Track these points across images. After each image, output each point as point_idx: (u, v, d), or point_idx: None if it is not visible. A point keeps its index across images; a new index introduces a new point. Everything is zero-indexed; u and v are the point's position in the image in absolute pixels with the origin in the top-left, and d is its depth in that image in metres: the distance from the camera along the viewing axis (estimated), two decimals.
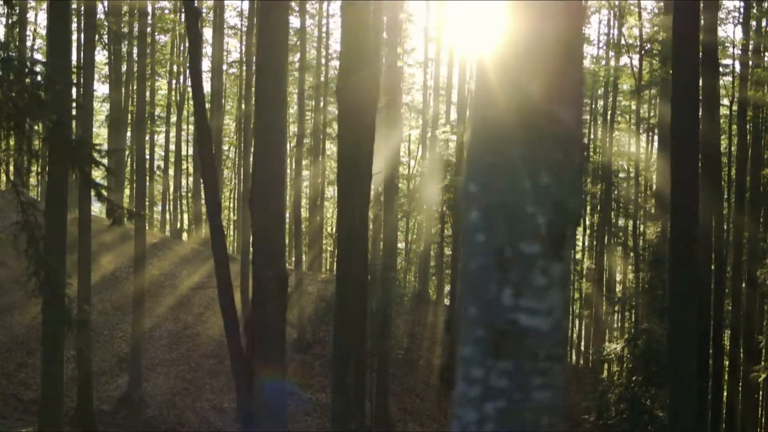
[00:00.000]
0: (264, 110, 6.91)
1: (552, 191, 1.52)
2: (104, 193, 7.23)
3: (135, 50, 26.49)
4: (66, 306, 6.38)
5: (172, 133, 39.25)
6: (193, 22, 6.78)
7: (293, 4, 29.57)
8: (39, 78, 6.17)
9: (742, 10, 26.63)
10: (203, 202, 34.95)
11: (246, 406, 7.47)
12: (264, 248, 7.27)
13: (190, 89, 38.66)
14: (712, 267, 20.02)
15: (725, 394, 24.09)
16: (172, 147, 38.43)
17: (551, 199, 1.52)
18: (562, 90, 1.53)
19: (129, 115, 31.47)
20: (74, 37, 26.21)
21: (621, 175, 39.54)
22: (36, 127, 6.69)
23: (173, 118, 39.11)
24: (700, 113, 21.82)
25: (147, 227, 36.81)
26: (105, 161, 9.48)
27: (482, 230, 1.55)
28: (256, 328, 7.30)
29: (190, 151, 38.34)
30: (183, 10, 39.26)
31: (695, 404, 8.47)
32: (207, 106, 37.93)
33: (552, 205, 1.52)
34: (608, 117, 34.36)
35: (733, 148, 28.39)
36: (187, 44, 39.55)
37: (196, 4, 31.14)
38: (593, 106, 38.65)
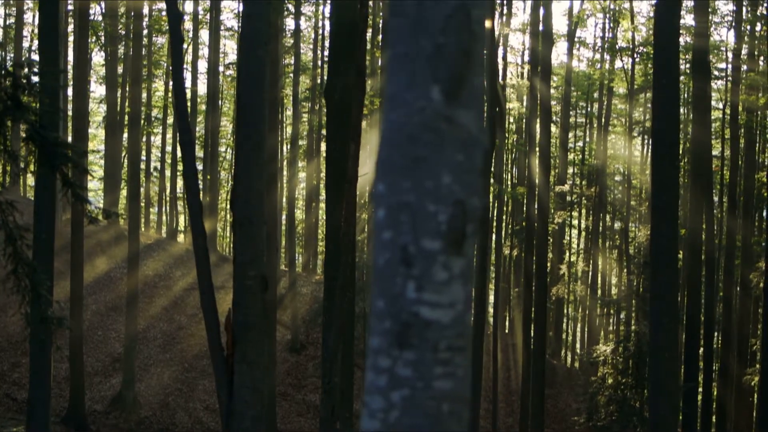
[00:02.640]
0: (246, 97, 6.99)
1: (453, 191, 1.61)
2: (80, 192, 7.31)
3: (131, 52, 26.55)
4: (45, 304, 6.46)
5: (169, 135, 39.33)
6: (176, 24, 6.87)
7: (290, 6, 29.67)
8: (22, 79, 6.27)
9: (734, 14, 26.73)
10: None
11: (227, 406, 7.54)
12: (245, 248, 7.35)
13: (188, 91, 38.85)
14: (703, 270, 20.10)
15: (716, 396, 24.17)
16: (169, 148, 38.51)
17: (452, 199, 1.60)
18: (463, 96, 1.62)
19: (125, 117, 31.55)
20: (72, 38, 26.33)
21: (617, 178, 39.66)
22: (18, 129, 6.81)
23: (170, 120, 39.19)
24: (692, 117, 21.86)
25: (142, 228, 36.92)
26: (88, 161, 9.54)
27: (388, 228, 1.63)
28: (237, 328, 7.38)
29: None
30: (183, 12, 39.41)
31: (674, 404, 8.55)
32: (203, 107, 37.91)
33: (453, 204, 1.60)
34: (602, 120, 34.44)
35: (726, 152, 28.48)
36: (184, 46, 39.72)
37: (194, 6, 31.06)
38: (589, 109, 38.76)
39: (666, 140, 8.46)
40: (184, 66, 33.92)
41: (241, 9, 39.22)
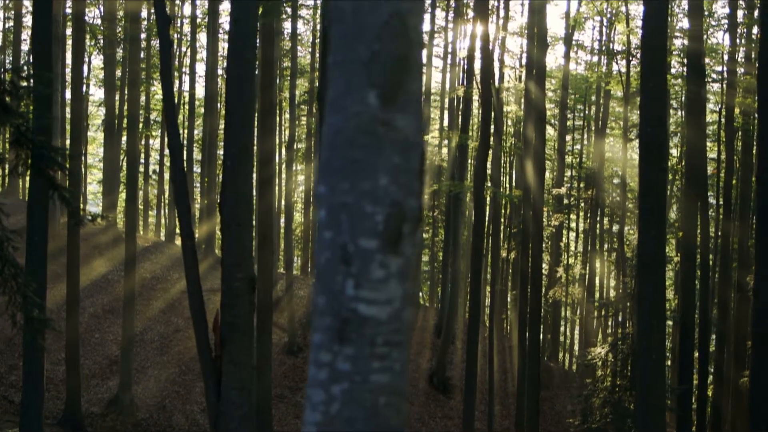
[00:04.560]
0: (234, 101, 7.05)
1: (390, 192, 1.67)
2: (67, 195, 7.36)
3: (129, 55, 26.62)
4: (30, 306, 6.51)
5: (167, 138, 39.36)
6: (164, 28, 6.92)
7: (288, 9, 29.72)
8: (9, 84, 6.34)
9: (729, 17, 26.81)
10: (197, 206, 35.12)
11: (215, 407, 7.59)
12: (233, 250, 7.40)
13: (186, 94, 38.99)
14: (698, 273, 20.14)
15: (712, 399, 24.21)
16: (168, 151, 38.55)
17: (389, 200, 1.67)
18: (399, 101, 1.68)
19: (123, 120, 31.62)
20: (70, 42, 26.39)
21: (615, 181, 39.72)
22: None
23: None
24: (686, 120, 21.86)
25: (141, 231, 36.99)
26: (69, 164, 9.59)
27: (329, 228, 1.70)
28: (225, 330, 7.43)
29: (185, 155, 38.48)
30: (182, 15, 39.53)
31: (661, 405, 8.61)
32: (202, 110, 37.92)
33: (389, 205, 1.67)
34: (599, 123, 34.50)
35: (723, 155, 28.54)
36: (183, 49, 39.86)
37: (192, 10, 31.08)
38: (586, 112, 38.82)
39: (653, 143, 8.52)
40: (184, 69, 33.95)
41: None
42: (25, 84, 6.57)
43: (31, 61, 9.70)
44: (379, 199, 1.66)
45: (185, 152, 37.50)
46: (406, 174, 1.69)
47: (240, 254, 7.30)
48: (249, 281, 7.45)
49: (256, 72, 23.92)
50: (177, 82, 38.63)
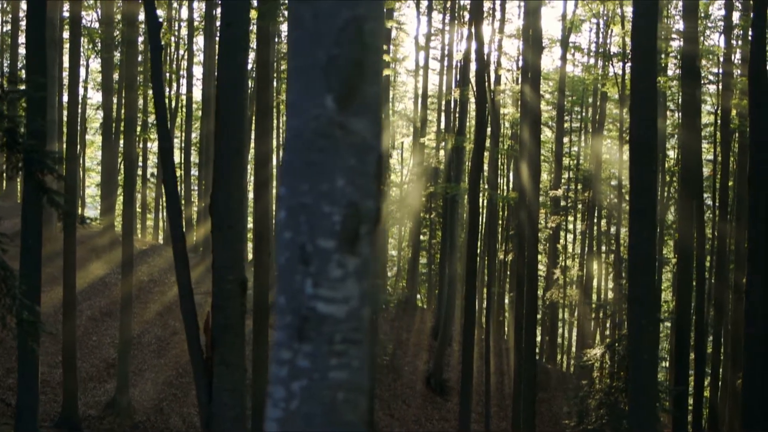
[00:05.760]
0: (224, 104, 7.08)
1: (347, 193, 1.71)
2: (57, 198, 7.41)
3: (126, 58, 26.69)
4: (19, 307, 6.55)
5: None
6: (155, 33, 6.97)
7: (285, 11, 29.76)
8: None
9: (724, 20, 26.86)
10: (194, 208, 35.18)
11: (207, 408, 7.62)
12: (224, 253, 7.43)
13: (184, 97, 39.06)
14: (694, 274, 20.17)
15: (708, 400, 24.23)
16: None
17: (346, 201, 1.71)
18: (356, 105, 1.72)
19: (121, 123, 31.69)
20: (67, 46, 26.44)
21: (613, 182, 39.75)
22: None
23: None
24: (681, 121, 21.90)
25: (139, 234, 37.03)
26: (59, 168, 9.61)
27: (288, 228, 1.74)
28: (216, 332, 7.46)
29: (183, 158, 38.55)
30: (179, 19, 39.62)
31: (653, 406, 8.65)
32: (198, 112, 37.98)
33: (346, 206, 1.71)
34: (596, 125, 34.55)
35: (720, 157, 28.58)
36: (181, 52, 39.96)
37: (189, 13, 31.13)
38: (584, 114, 38.88)
39: (644, 144, 8.57)
40: (182, 72, 33.98)
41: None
42: (16, 88, 6.62)
43: (26, 65, 9.77)
44: (336, 200, 1.71)
45: (183, 155, 37.57)
46: (363, 176, 1.73)
47: (231, 257, 7.34)
48: (240, 283, 7.49)
49: (253, 74, 23.87)
50: (175, 85, 38.72)
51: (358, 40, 1.71)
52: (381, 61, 1.79)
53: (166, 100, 38.99)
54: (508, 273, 34.40)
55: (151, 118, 40.13)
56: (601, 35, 35.13)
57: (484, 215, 28.51)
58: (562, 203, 32.86)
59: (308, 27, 1.73)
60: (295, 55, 1.75)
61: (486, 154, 25.64)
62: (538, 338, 34.30)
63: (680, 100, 29.21)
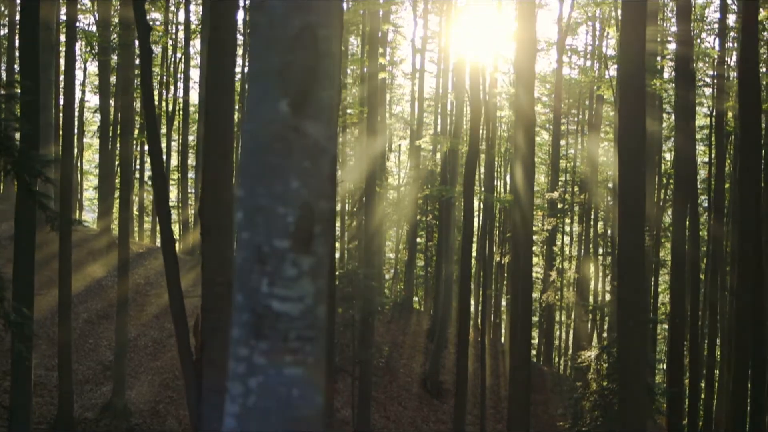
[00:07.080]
0: (212, 106, 7.14)
1: (301, 195, 1.77)
2: (45, 201, 7.45)
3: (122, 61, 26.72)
4: (6, 309, 6.60)
5: (163, 144, 39.50)
6: (145, 37, 7.02)
7: None
8: None
9: (719, 22, 26.94)
10: (191, 211, 35.22)
11: (195, 410, 7.65)
12: (213, 255, 7.48)
13: (181, 100, 39.11)
14: (687, 276, 20.23)
15: (704, 402, 24.27)
16: (163, 157, 38.61)
17: (300, 202, 1.77)
18: (309, 108, 1.78)
19: (119, 126, 31.74)
20: (63, 49, 26.52)
21: (610, 185, 39.79)
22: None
23: (163, 129, 39.38)
24: (675, 124, 21.94)
25: (136, 237, 37.05)
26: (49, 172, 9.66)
27: (246, 229, 1.80)
28: (206, 334, 7.50)
29: (180, 161, 38.62)
30: (177, 22, 39.67)
31: (641, 407, 8.69)
32: (195, 116, 37.96)
33: (300, 207, 1.77)
34: (592, 127, 34.61)
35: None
36: (179, 55, 39.99)
37: (186, 16, 31.18)
38: (580, 116, 38.95)
39: (632, 148, 8.63)
40: (179, 76, 34.00)
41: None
42: (9, 92, 6.67)
43: (20, 69, 9.81)
44: (290, 202, 1.76)
45: (180, 158, 37.62)
46: (317, 177, 1.78)
47: (220, 259, 7.39)
48: (229, 285, 7.53)
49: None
50: (172, 88, 38.75)
51: (312, 46, 1.77)
52: (335, 66, 1.85)
53: (164, 103, 39.10)
54: (505, 275, 34.44)
55: None
56: (596, 38, 35.21)
57: (480, 218, 28.54)
58: (559, 206, 32.90)
59: (264, 34, 1.78)
60: (253, 60, 1.81)
61: (482, 156, 25.70)
62: (535, 340, 34.37)
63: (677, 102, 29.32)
